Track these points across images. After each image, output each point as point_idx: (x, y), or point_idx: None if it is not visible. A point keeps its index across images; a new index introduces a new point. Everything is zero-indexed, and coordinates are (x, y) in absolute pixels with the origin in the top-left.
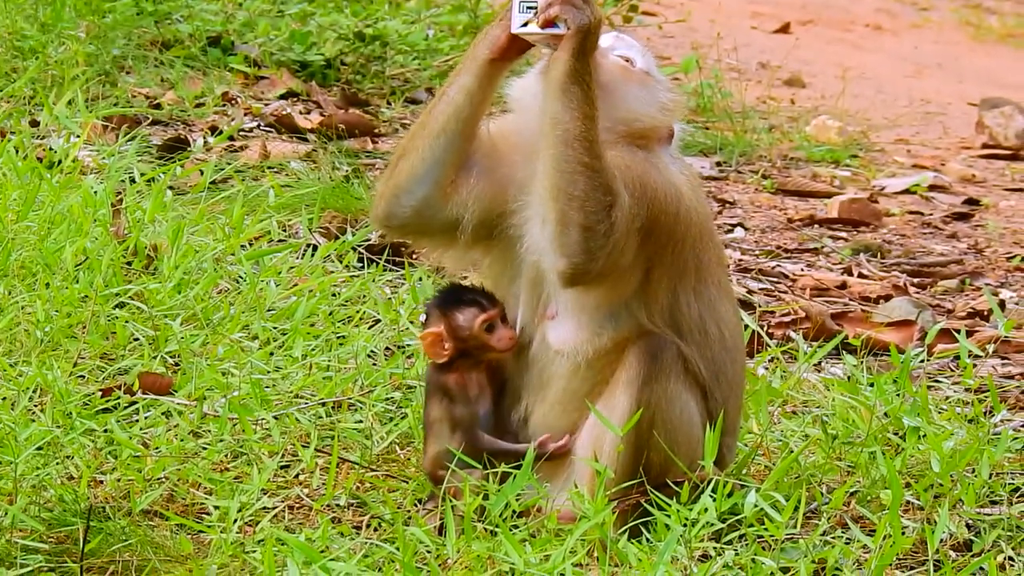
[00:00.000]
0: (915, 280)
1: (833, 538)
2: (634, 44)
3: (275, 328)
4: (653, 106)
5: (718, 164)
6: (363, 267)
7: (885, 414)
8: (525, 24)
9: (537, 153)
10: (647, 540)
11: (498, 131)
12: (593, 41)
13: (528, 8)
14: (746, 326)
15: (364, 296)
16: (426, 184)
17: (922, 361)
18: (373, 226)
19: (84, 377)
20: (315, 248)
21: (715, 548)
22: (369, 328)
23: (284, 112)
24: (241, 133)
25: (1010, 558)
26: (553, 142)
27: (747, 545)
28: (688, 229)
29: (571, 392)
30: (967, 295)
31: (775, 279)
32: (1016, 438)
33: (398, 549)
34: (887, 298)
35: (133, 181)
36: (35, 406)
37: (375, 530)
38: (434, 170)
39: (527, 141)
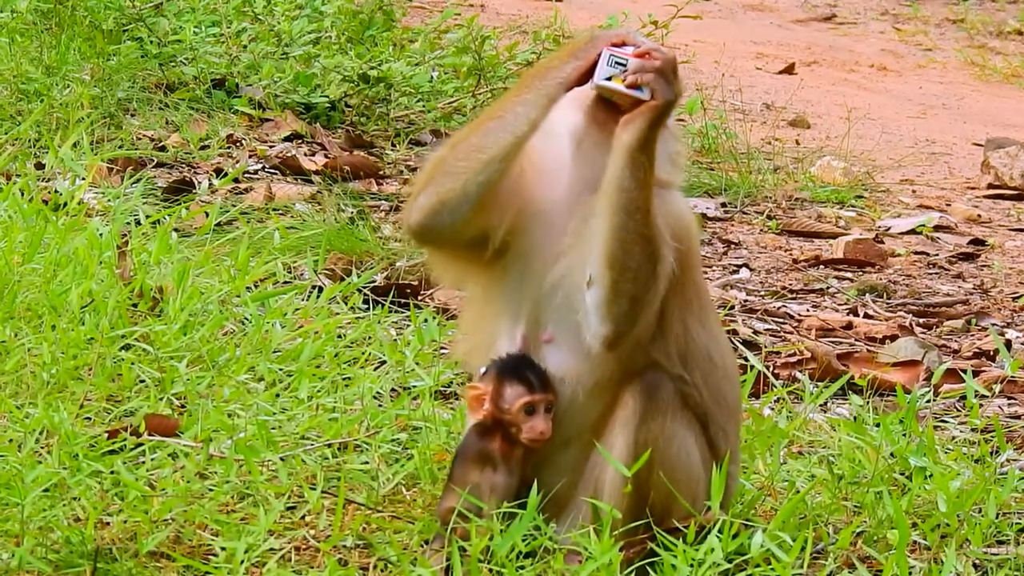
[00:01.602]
0: (921, 320)
1: None
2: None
3: (281, 370)
4: (666, 160)
5: (723, 205)
6: (368, 308)
7: (891, 454)
8: (609, 78)
9: (562, 179)
10: None
11: (525, 152)
12: (670, 114)
13: (616, 63)
14: (752, 366)
15: (369, 337)
16: (472, 203)
17: (928, 401)
18: (403, 232)
19: (90, 419)
20: (320, 290)
21: None
22: (375, 369)
23: (289, 154)
24: (246, 175)
25: None
26: (616, 210)
27: None
28: (695, 258)
29: (570, 426)
30: (973, 335)
31: (780, 320)
32: (1023, 478)
33: None
34: (893, 338)
35: (138, 223)
36: (41, 448)
37: (382, 571)
38: (482, 191)
39: (552, 165)
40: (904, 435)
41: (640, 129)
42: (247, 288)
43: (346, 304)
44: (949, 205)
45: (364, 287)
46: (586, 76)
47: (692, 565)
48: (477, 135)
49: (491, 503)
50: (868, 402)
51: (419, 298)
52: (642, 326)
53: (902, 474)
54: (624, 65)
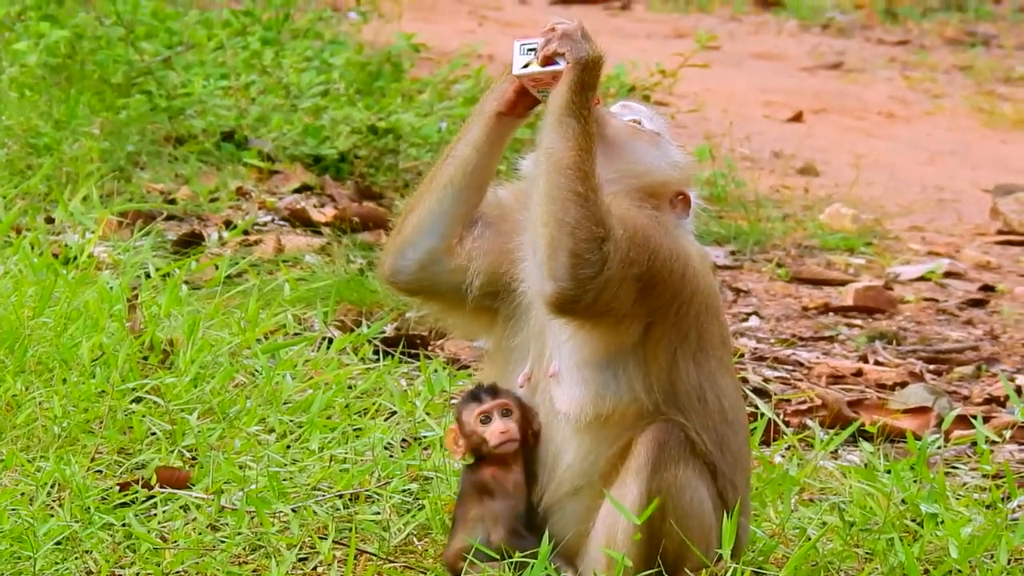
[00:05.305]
0: (931, 367)
1: None
2: (642, 109)
3: (292, 421)
4: (663, 161)
5: (732, 253)
6: (379, 359)
7: (903, 501)
8: (526, 66)
9: None
10: None
11: (506, 194)
12: (592, 76)
13: (529, 50)
14: (762, 414)
15: (380, 388)
16: (432, 236)
17: (939, 447)
18: (381, 284)
19: (102, 472)
20: (331, 341)
21: None
22: (385, 420)
23: (298, 206)
24: (255, 227)
25: None
26: (546, 171)
27: None
28: (694, 295)
29: (579, 471)
30: (983, 381)
31: (791, 367)
32: None
33: None
34: (903, 385)
35: (148, 276)
36: (53, 501)
37: None
38: (440, 222)
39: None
40: (915, 481)
41: (562, 94)
42: (257, 340)
43: (356, 355)
44: (958, 251)
45: (374, 338)
46: (520, 89)
47: None
48: (432, 172)
49: (497, 531)
50: (879, 449)
51: (429, 349)
52: (595, 300)
53: (913, 520)
54: (536, 49)
